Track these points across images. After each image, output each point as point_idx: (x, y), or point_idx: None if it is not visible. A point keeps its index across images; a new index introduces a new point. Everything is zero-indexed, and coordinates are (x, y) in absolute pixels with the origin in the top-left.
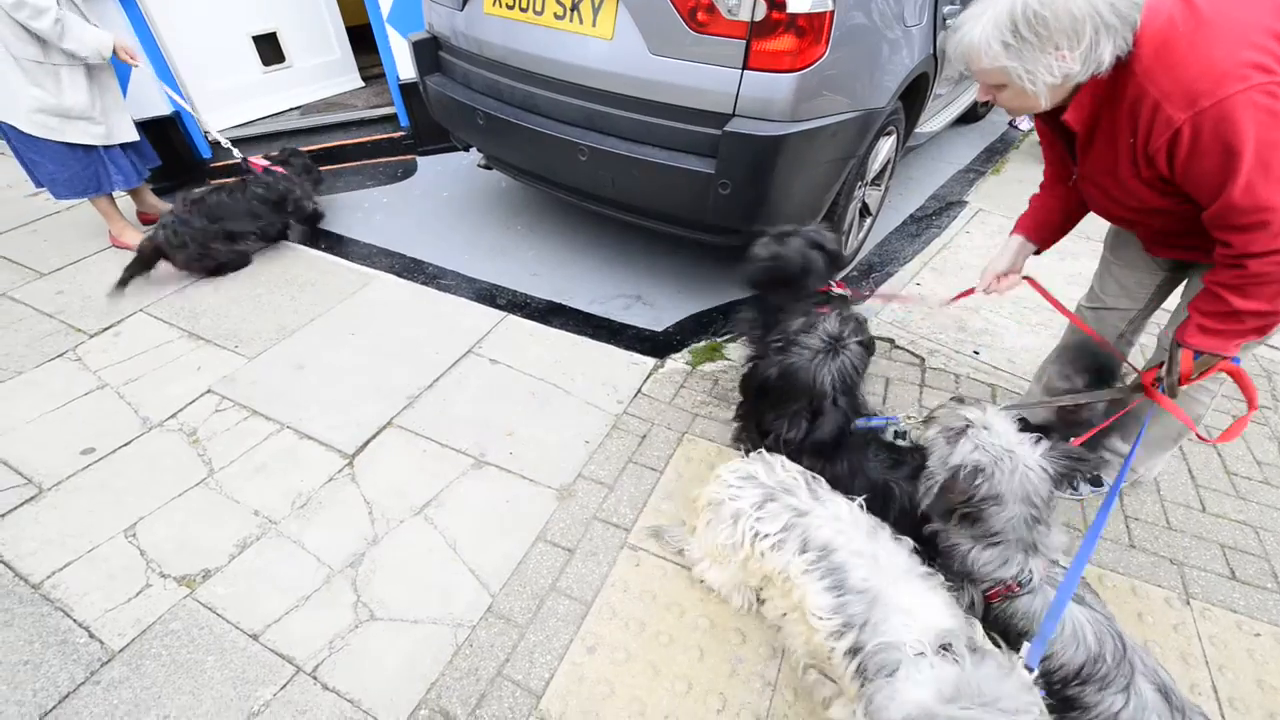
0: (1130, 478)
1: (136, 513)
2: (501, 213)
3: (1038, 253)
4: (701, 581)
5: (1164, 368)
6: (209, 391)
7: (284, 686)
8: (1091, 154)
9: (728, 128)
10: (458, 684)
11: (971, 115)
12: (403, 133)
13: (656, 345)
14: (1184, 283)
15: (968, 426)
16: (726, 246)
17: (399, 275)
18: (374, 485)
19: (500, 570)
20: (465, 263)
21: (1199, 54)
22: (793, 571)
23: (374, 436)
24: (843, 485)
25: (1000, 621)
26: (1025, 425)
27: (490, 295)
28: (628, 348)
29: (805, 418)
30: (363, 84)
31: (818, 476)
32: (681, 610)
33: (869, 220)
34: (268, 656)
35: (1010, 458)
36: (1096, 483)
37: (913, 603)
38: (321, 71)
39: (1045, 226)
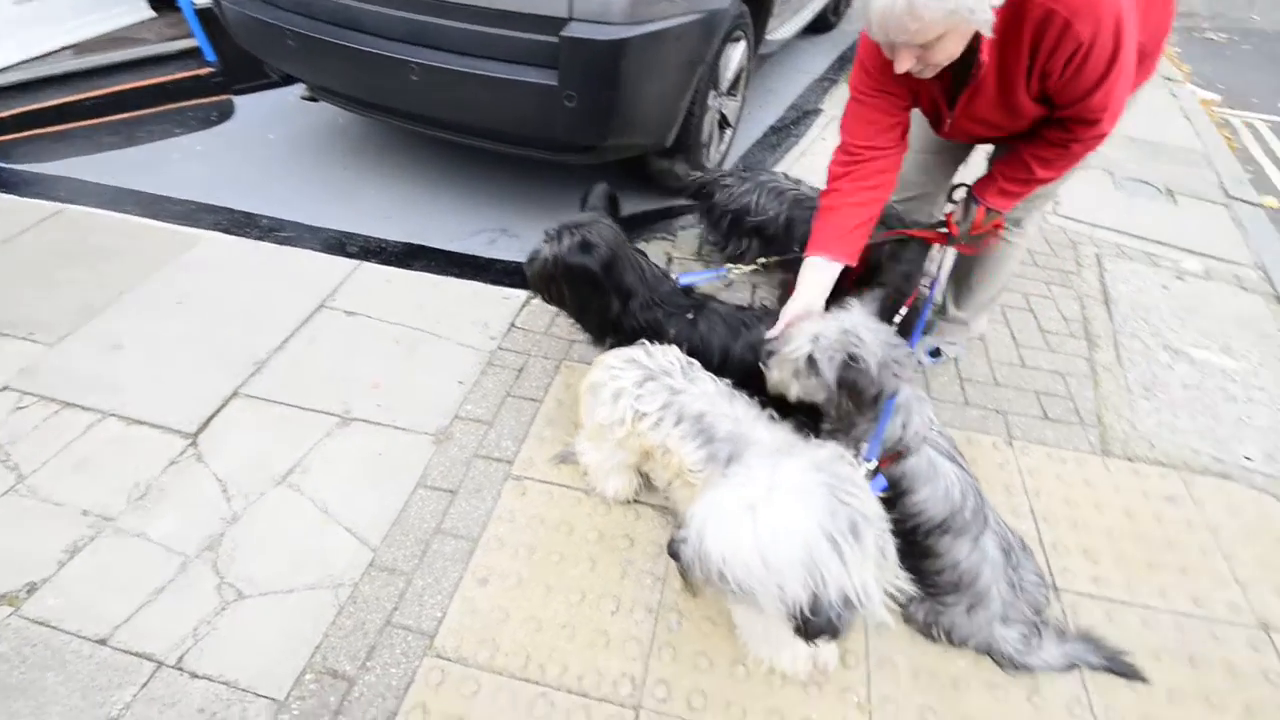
0: (961, 334)
1: None
2: (341, 152)
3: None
4: (585, 475)
5: (960, 215)
6: (4, 389)
7: (145, 684)
8: (983, 89)
9: (565, 33)
10: (344, 642)
11: (824, 24)
12: (210, 69)
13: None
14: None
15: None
16: (587, 166)
17: (228, 232)
18: (225, 461)
19: (379, 523)
20: (305, 211)
21: None
22: (670, 443)
23: (219, 410)
24: (691, 351)
25: (890, 482)
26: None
27: (339, 243)
28: (496, 283)
29: (619, 301)
30: (154, 13)
31: (693, 361)
32: (570, 528)
33: (729, 132)
34: (121, 659)
35: (862, 335)
36: (936, 354)
37: (766, 435)
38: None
39: (850, 240)
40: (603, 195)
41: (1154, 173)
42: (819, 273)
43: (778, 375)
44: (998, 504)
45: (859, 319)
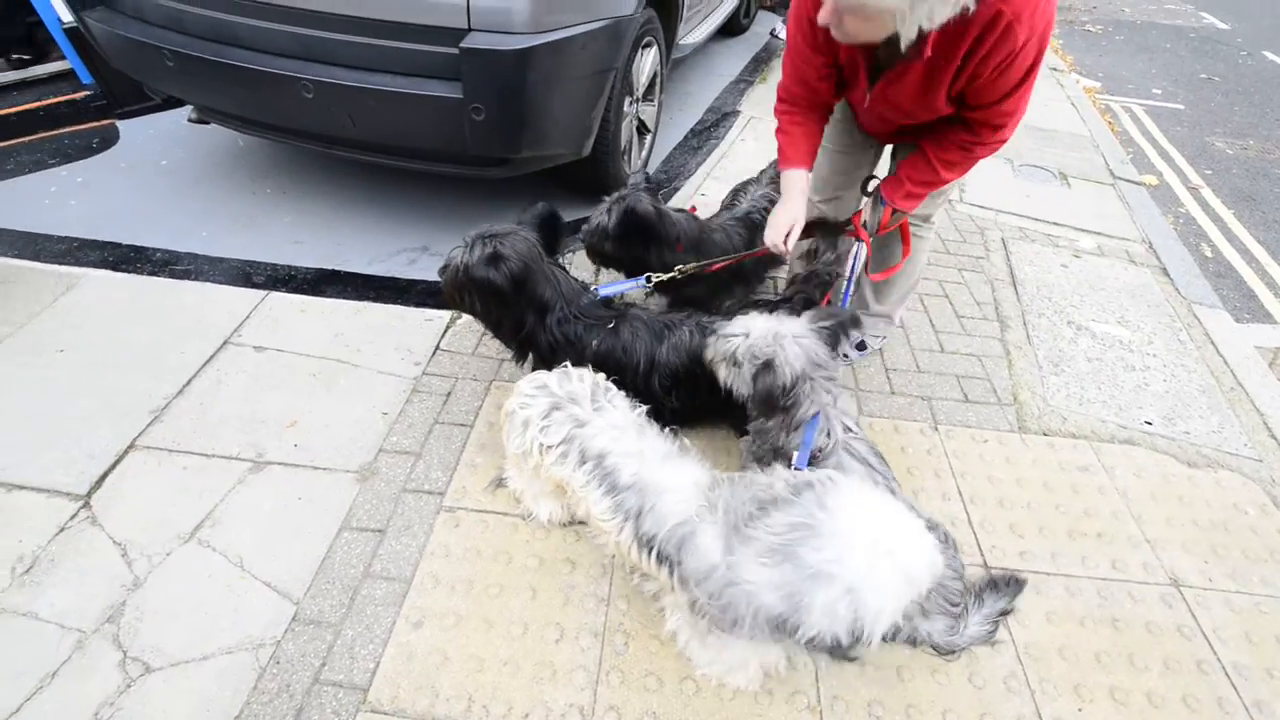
0: (884, 326)
1: None
2: (243, 177)
3: None
4: (518, 501)
5: (868, 212)
6: None
7: None
8: (908, 77)
9: (465, 44)
10: (268, 707)
11: (735, 28)
12: (87, 92)
13: None
14: (887, 150)
15: (742, 340)
16: (507, 179)
17: (115, 269)
18: (124, 522)
19: (301, 574)
20: (204, 241)
21: None
22: (575, 484)
23: (114, 466)
24: (616, 361)
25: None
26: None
27: (244, 274)
28: (419, 304)
29: (534, 315)
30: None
31: (608, 385)
32: (509, 557)
33: (649, 137)
34: None
35: (785, 345)
36: (861, 347)
37: (673, 479)
38: None
39: (814, 151)
40: (538, 215)
41: (1048, 158)
42: (800, 182)
43: (711, 355)
44: (928, 489)
45: (794, 328)
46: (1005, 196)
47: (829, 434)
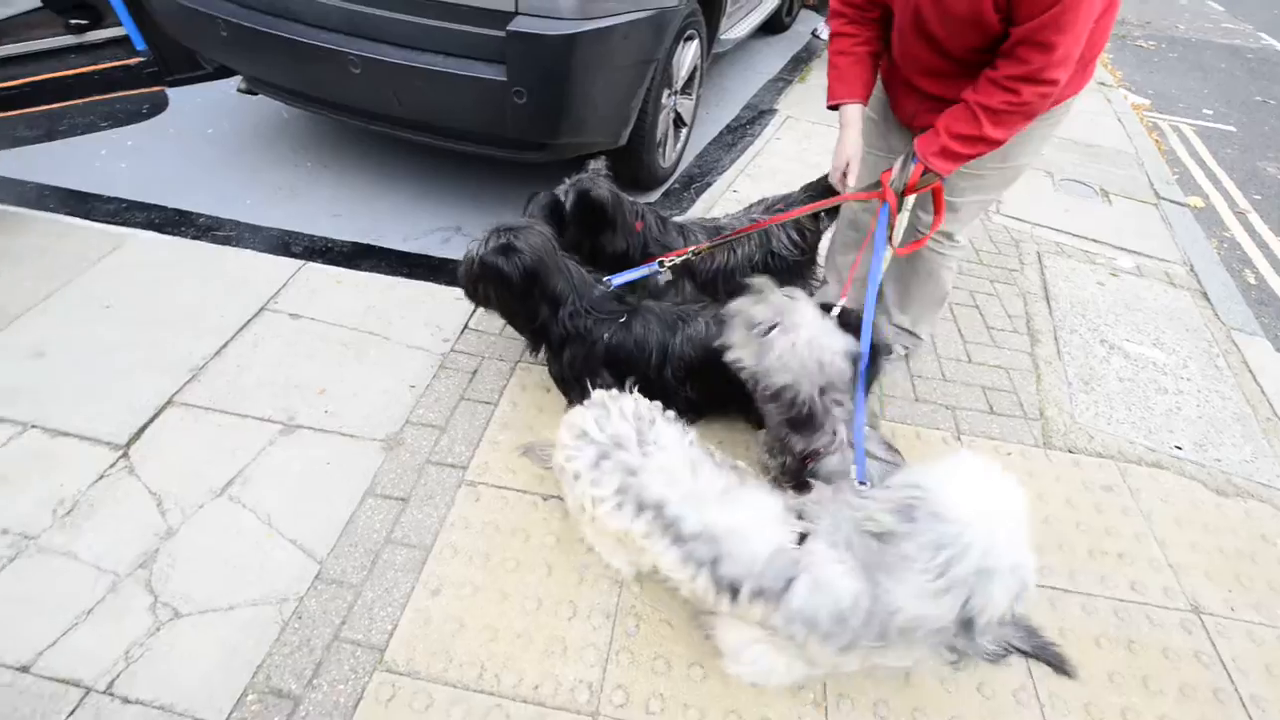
0: (911, 341)
1: None
2: (286, 148)
3: None
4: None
5: (897, 169)
6: None
7: (72, 713)
8: None
9: (512, 27)
10: (289, 659)
11: (777, 25)
12: (140, 59)
13: None
14: None
15: (772, 328)
16: (542, 164)
17: (161, 231)
18: (160, 474)
19: (326, 535)
20: (246, 209)
21: None
22: (636, 536)
23: (152, 419)
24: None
25: (811, 475)
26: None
27: (283, 243)
28: (450, 284)
29: (547, 307)
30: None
31: (652, 419)
32: (526, 534)
33: (685, 131)
34: (45, 686)
35: (811, 348)
36: (888, 351)
37: (743, 518)
38: None
39: (869, 81)
40: (544, 205)
41: (1090, 173)
42: (853, 115)
43: (735, 339)
44: None
45: (820, 332)
46: (1043, 210)
47: (834, 433)
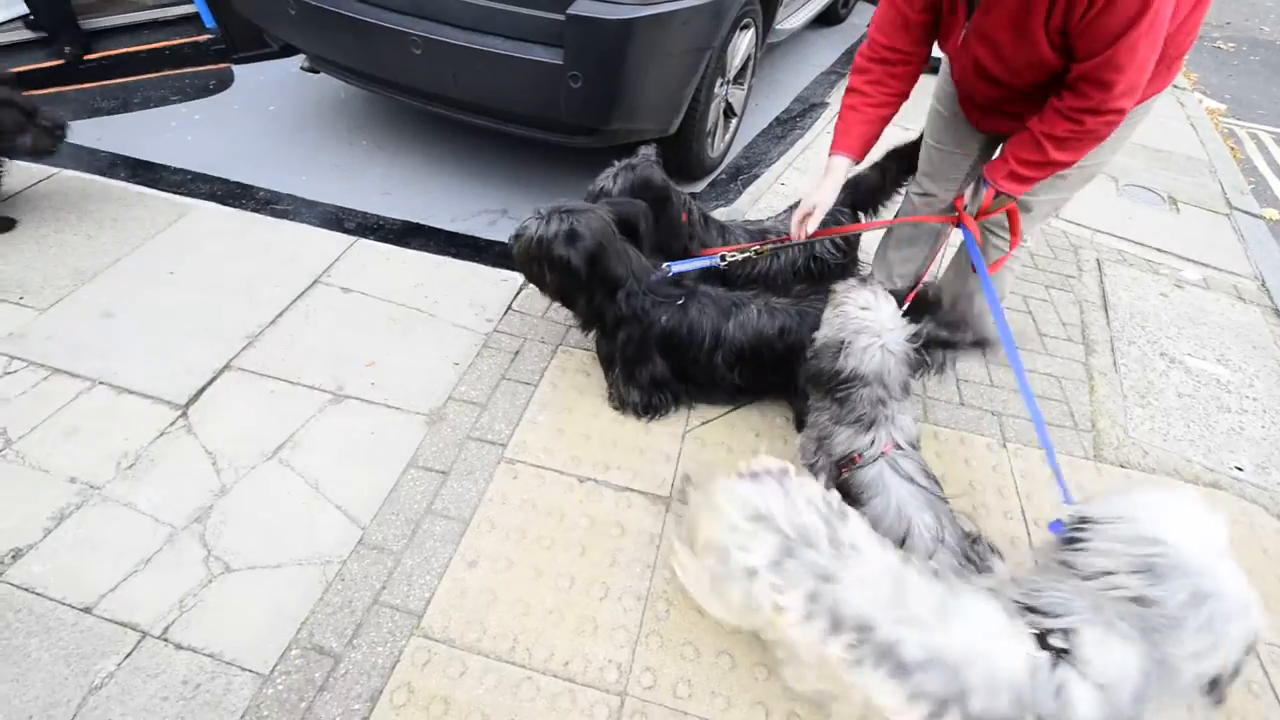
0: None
1: None
2: (342, 127)
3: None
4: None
5: (969, 196)
6: None
7: (129, 655)
8: (1001, 9)
9: (571, 10)
10: (331, 619)
11: (833, 17)
12: (209, 36)
13: None
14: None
15: (844, 304)
16: (590, 150)
17: (223, 203)
18: (215, 434)
19: (369, 502)
20: (303, 185)
21: None
22: (832, 658)
23: (210, 382)
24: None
25: (844, 489)
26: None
27: (336, 219)
28: (495, 265)
29: (603, 291)
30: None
31: (842, 511)
32: (561, 514)
33: (735, 121)
34: (105, 627)
35: (876, 339)
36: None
37: (977, 638)
38: None
39: (870, 140)
40: (628, 180)
41: (1157, 180)
42: (838, 172)
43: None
44: (989, 505)
45: (895, 336)
46: (1105, 216)
47: (873, 442)
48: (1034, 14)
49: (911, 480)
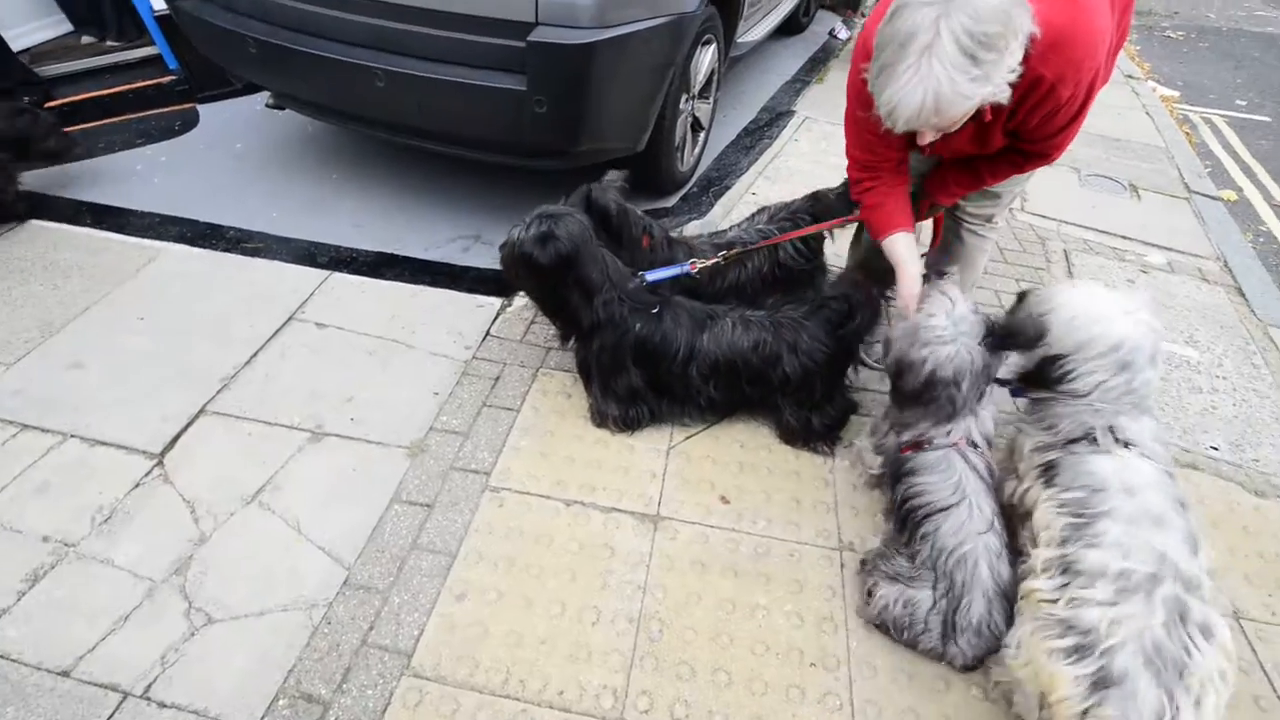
0: None
1: None
2: (311, 162)
3: None
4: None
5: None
6: None
7: (110, 717)
8: (963, 130)
9: (532, 37)
10: (318, 664)
11: (795, 27)
12: (172, 77)
13: (502, 284)
14: None
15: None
16: (560, 170)
17: (192, 244)
18: (193, 481)
19: (354, 541)
20: (273, 221)
21: (1082, 37)
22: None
23: (185, 428)
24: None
25: (898, 464)
26: None
27: (309, 254)
28: (471, 291)
29: (580, 294)
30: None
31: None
32: (549, 539)
33: (703, 134)
34: (85, 690)
35: (963, 342)
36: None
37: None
38: (42, 6)
39: (909, 211)
40: (581, 197)
41: (1118, 169)
42: (908, 245)
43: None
44: None
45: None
46: (1070, 206)
47: (948, 433)
48: (992, 132)
49: (975, 470)
